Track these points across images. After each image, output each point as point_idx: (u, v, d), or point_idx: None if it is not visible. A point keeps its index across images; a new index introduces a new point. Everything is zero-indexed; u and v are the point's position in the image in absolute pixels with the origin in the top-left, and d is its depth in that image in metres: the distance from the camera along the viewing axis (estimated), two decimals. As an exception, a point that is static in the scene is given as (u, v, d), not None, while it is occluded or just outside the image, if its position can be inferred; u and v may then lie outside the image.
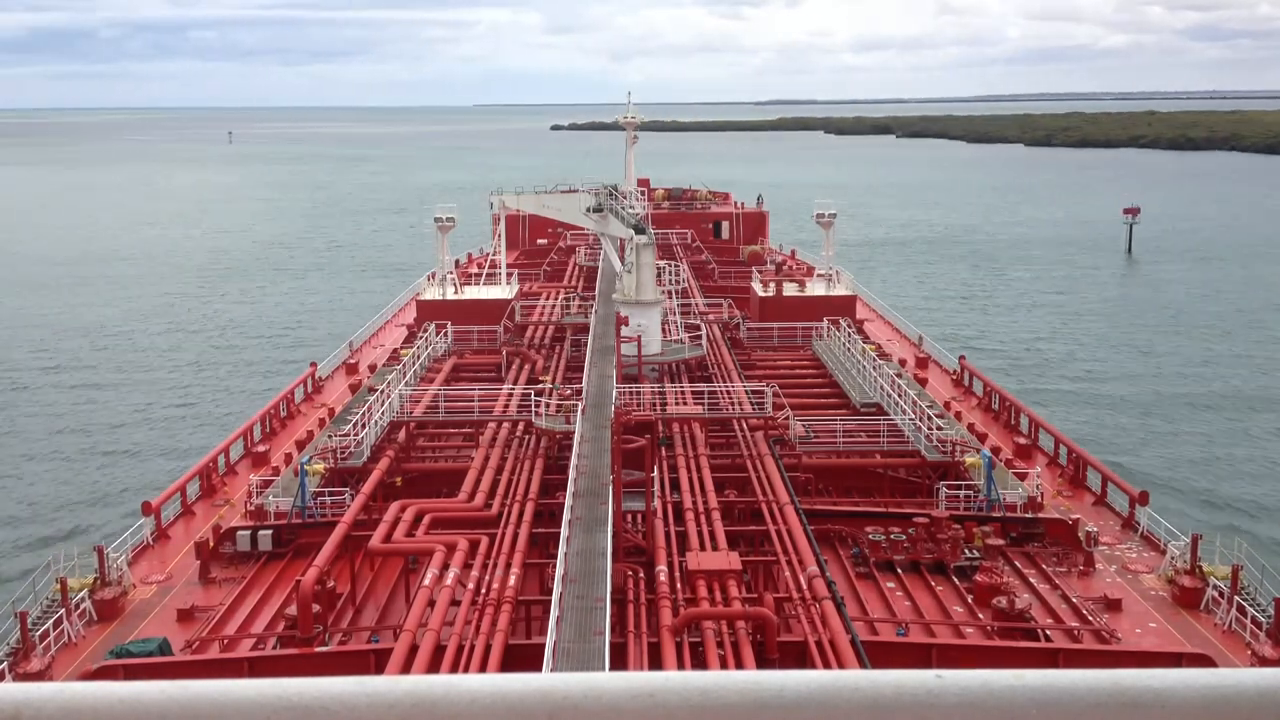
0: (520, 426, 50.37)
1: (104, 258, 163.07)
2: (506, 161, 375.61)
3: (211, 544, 40.75)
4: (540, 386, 52.95)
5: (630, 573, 35.10)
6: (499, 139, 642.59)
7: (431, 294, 75.64)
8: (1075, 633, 35.02)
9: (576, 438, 44.33)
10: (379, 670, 30.45)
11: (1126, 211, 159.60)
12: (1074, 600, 37.06)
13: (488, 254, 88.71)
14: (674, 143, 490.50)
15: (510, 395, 53.54)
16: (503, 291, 75.64)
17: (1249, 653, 33.29)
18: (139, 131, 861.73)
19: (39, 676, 32.16)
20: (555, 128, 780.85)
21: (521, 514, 40.45)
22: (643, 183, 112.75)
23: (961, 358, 65.50)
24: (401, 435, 51.05)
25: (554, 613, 30.04)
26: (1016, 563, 40.31)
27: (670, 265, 73.31)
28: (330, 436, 49.97)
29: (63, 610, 34.90)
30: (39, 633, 33.88)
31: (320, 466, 46.36)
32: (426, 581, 33.79)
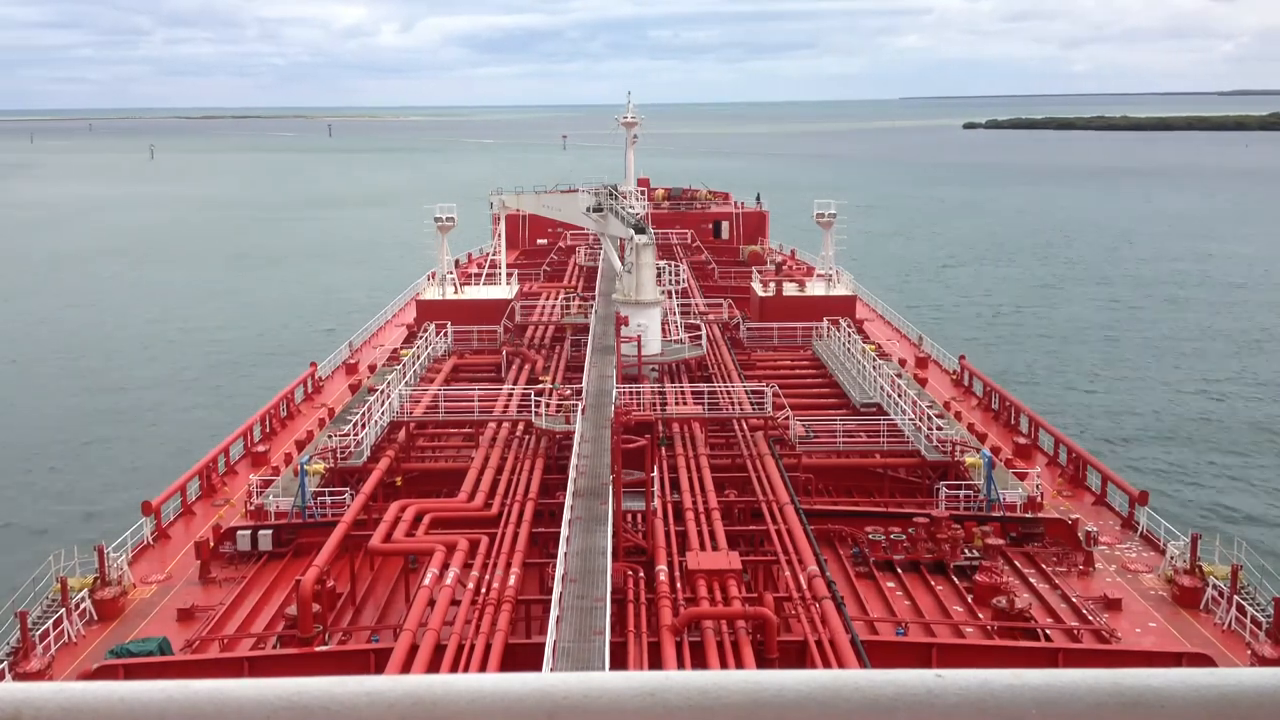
0: (520, 426, 50.38)
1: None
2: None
3: (211, 544, 40.80)
4: (540, 386, 52.96)
5: (630, 572, 35.10)
6: (888, 141, 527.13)
7: (431, 294, 75.63)
8: (1075, 632, 35.01)
9: (576, 438, 44.32)
10: (379, 670, 30.44)
11: None
12: (1074, 600, 37.06)
13: (488, 254, 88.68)
14: (1114, 145, 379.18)
15: (510, 395, 53.55)
16: (503, 291, 75.63)
17: (1249, 652, 33.29)
18: (489, 133, 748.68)
19: (39, 676, 32.18)
20: (969, 126, 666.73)
21: (521, 514, 40.47)
22: (643, 183, 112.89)
23: (962, 357, 65.43)
24: (401, 435, 51.04)
25: (554, 612, 30.05)
26: (1016, 562, 40.32)
27: (670, 265, 73.26)
28: (330, 436, 49.98)
29: (63, 610, 34.92)
30: (39, 632, 33.90)
31: (320, 466, 46.39)
32: (426, 581, 33.80)
